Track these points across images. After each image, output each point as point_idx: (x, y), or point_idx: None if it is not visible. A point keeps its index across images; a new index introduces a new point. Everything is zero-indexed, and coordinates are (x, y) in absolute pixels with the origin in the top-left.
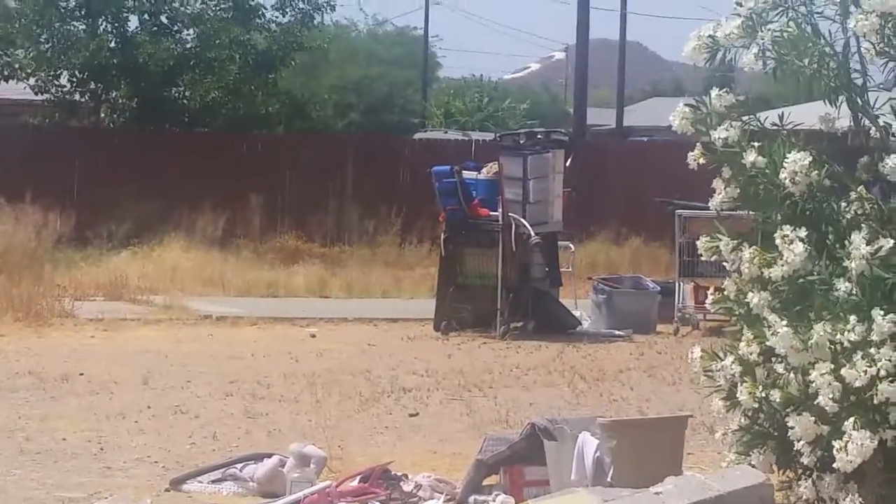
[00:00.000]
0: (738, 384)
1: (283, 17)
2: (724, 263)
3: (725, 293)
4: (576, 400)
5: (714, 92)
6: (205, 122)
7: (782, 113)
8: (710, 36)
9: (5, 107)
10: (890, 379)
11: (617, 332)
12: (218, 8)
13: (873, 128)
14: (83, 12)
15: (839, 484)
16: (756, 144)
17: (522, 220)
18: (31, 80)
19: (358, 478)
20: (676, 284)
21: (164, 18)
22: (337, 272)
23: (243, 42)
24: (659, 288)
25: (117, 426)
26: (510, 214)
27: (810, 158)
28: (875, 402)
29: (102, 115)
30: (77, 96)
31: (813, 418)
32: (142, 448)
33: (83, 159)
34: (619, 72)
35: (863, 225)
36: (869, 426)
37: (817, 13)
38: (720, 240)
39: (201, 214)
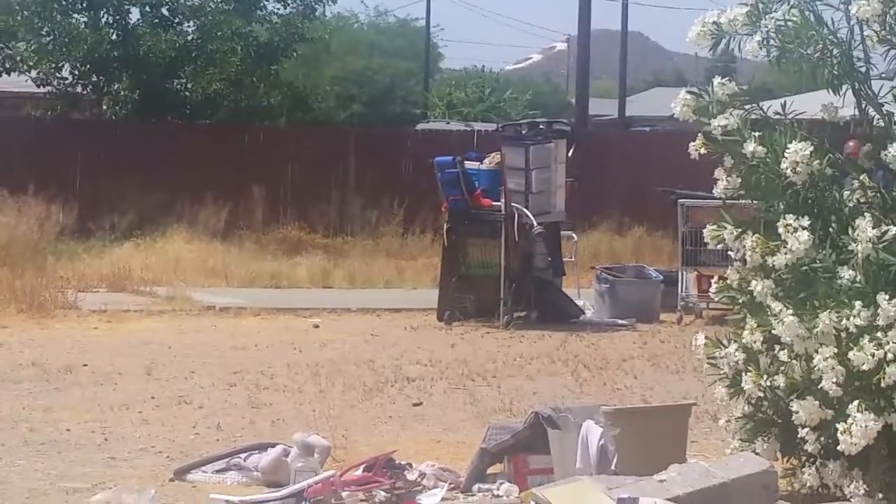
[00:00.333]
0: (743, 372)
1: (285, 8)
2: (729, 252)
3: (728, 282)
4: (579, 389)
5: (717, 80)
6: (207, 114)
7: (785, 101)
8: (714, 22)
9: (7, 99)
10: None
11: (620, 321)
12: (219, 0)
13: (877, 116)
14: (84, 5)
15: (843, 471)
16: (756, 134)
17: (525, 210)
18: (33, 73)
19: (362, 467)
20: (679, 273)
21: (165, 10)
22: (340, 263)
23: (245, 34)
24: (662, 277)
25: (121, 417)
26: (513, 204)
27: (811, 148)
28: (882, 385)
29: (104, 107)
30: (79, 89)
31: (817, 402)
32: (146, 438)
33: (85, 151)
34: (621, 62)
35: (866, 213)
36: (874, 410)
37: (821, 1)
38: (725, 228)
39: (204, 206)
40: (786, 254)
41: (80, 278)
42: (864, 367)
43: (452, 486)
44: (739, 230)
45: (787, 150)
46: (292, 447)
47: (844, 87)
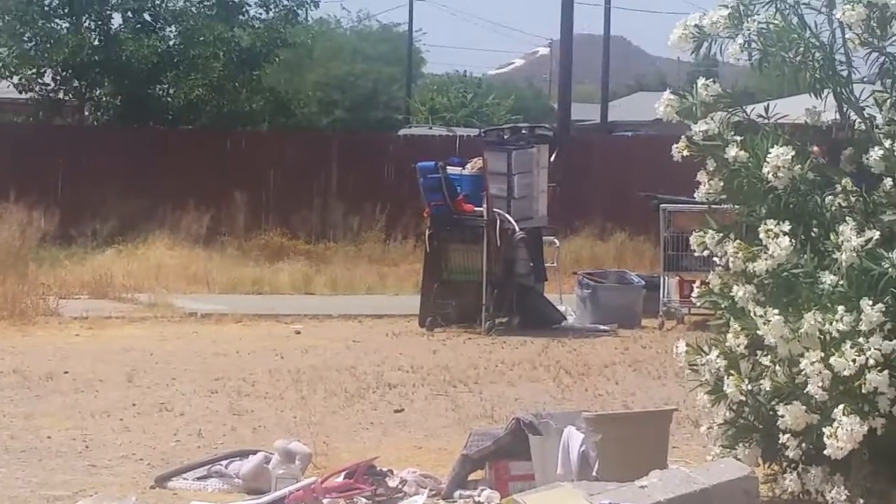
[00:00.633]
0: (724, 377)
1: (267, 13)
2: (714, 258)
3: (710, 287)
4: (561, 395)
5: (701, 81)
6: (189, 120)
7: (767, 105)
8: (696, 25)
9: None
10: (879, 368)
11: (602, 327)
12: (201, 5)
13: (858, 119)
14: (66, 10)
15: (825, 476)
16: (738, 139)
17: (507, 216)
18: (15, 79)
19: (343, 473)
20: (661, 279)
21: (147, 16)
22: (322, 269)
23: (227, 39)
24: (644, 282)
25: (102, 424)
26: (495, 210)
27: (793, 152)
28: (863, 391)
29: (86, 113)
30: (61, 94)
31: (803, 407)
32: (127, 446)
33: (67, 157)
34: (604, 66)
35: (847, 217)
36: (858, 414)
37: (804, 3)
38: (708, 233)
39: (186, 212)
40: (767, 259)
41: (62, 285)
42: (846, 373)
43: (434, 492)
44: (721, 235)
45: (768, 155)
46: (273, 454)
47: (826, 90)
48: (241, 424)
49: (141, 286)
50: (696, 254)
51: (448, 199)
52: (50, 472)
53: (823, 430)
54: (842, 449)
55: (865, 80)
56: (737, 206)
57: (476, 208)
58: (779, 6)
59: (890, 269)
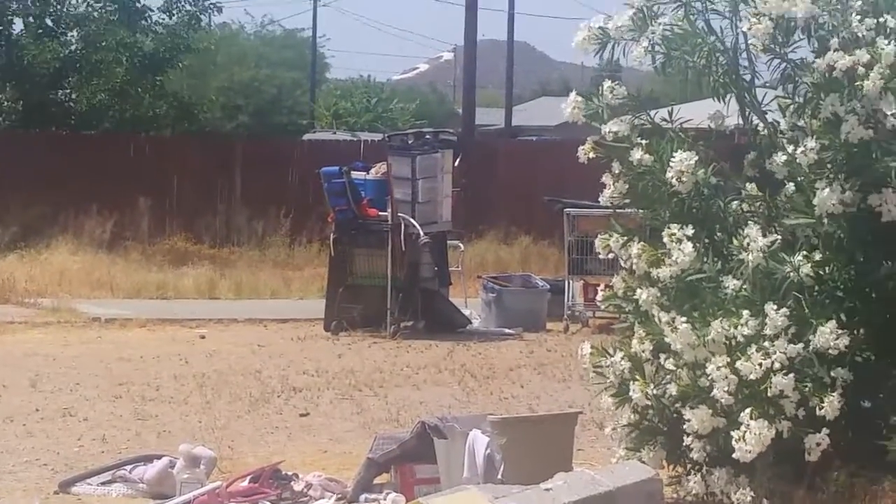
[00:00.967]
0: (629, 381)
1: (170, 18)
2: (620, 261)
3: (614, 290)
4: (466, 398)
5: (606, 83)
6: (92, 125)
7: (671, 109)
8: (600, 27)
9: None
10: (784, 371)
11: (507, 331)
12: (104, 10)
13: (761, 124)
14: None
15: (730, 478)
16: (643, 142)
17: (412, 220)
18: None
19: (248, 478)
20: (566, 282)
21: (48, 21)
22: (226, 273)
23: (129, 44)
24: (548, 286)
25: (5, 429)
26: (399, 214)
27: (696, 157)
28: (769, 394)
29: None
30: None
31: (709, 411)
32: (30, 451)
33: None
34: (508, 71)
35: (749, 222)
36: (765, 418)
37: (711, 8)
38: (612, 236)
39: (89, 217)
40: (671, 265)
41: None
42: (752, 377)
43: (339, 496)
44: (626, 238)
45: (672, 160)
46: (178, 459)
47: (729, 95)
48: (145, 429)
49: (44, 291)
50: (600, 257)
51: (353, 203)
52: None
53: (731, 433)
54: (750, 452)
55: (768, 84)
56: (641, 210)
57: (381, 213)
58: (687, 9)
59: (792, 273)
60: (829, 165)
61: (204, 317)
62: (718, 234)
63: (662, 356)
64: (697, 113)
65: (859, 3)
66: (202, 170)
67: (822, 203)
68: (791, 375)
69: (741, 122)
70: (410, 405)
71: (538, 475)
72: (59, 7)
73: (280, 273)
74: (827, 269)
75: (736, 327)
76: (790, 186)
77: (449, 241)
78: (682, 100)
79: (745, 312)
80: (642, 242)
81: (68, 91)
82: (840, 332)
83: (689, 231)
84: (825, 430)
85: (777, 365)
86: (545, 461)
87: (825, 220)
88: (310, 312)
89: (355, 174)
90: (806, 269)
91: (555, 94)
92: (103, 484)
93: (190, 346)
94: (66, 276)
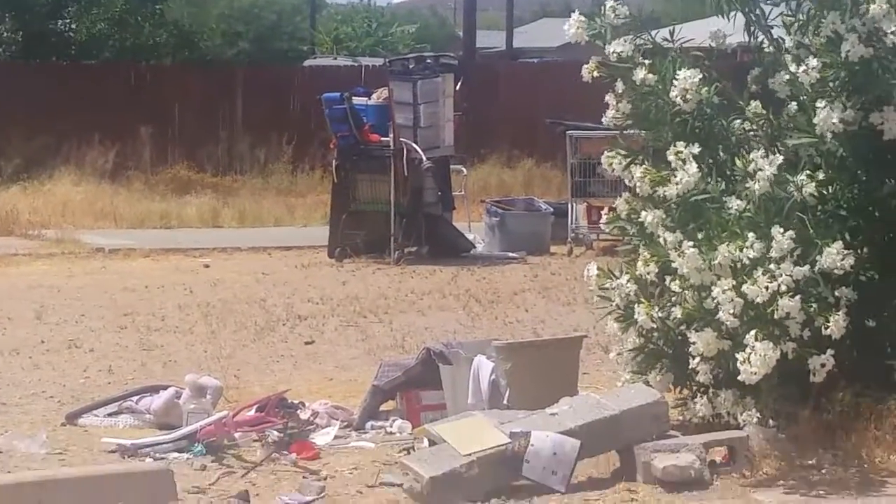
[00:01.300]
0: (634, 304)
1: None
2: (625, 181)
3: (618, 212)
4: (471, 323)
5: (609, 3)
6: (92, 55)
7: (673, 29)
8: None
9: None
10: (790, 294)
11: (511, 255)
12: None
13: (766, 41)
14: None
15: (736, 399)
16: (646, 62)
17: (414, 145)
18: None
19: (254, 407)
20: (569, 205)
21: None
22: (229, 202)
23: None
24: (552, 209)
25: (11, 362)
26: (401, 139)
27: (700, 76)
28: (775, 316)
29: None
30: None
31: (714, 333)
32: (36, 383)
33: None
34: None
35: (753, 143)
36: (770, 340)
37: None
38: (617, 157)
39: (91, 147)
40: (676, 185)
41: None
42: (758, 300)
43: (345, 423)
44: (629, 159)
45: (676, 78)
46: (184, 389)
47: (733, 11)
48: (151, 360)
49: (47, 223)
50: (603, 178)
51: (354, 129)
52: None
53: (736, 355)
54: (755, 374)
55: (769, 2)
56: (643, 132)
57: (382, 138)
58: None
59: (795, 193)
60: (830, 84)
61: (208, 246)
62: (721, 153)
63: (668, 278)
64: (698, 33)
65: None
66: (203, 98)
67: (823, 122)
68: (797, 297)
69: (746, 38)
70: (415, 331)
71: (543, 400)
72: None
73: (283, 200)
74: (830, 188)
75: (741, 250)
76: (792, 106)
77: (452, 166)
78: (684, 19)
79: (751, 235)
80: (645, 165)
81: (68, 21)
82: (846, 252)
83: (696, 149)
84: (830, 351)
85: (783, 288)
86: (550, 386)
87: (827, 139)
88: (313, 239)
89: (357, 100)
90: (809, 188)
91: (556, 15)
92: (110, 415)
93: (194, 275)
94: (69, 207)
